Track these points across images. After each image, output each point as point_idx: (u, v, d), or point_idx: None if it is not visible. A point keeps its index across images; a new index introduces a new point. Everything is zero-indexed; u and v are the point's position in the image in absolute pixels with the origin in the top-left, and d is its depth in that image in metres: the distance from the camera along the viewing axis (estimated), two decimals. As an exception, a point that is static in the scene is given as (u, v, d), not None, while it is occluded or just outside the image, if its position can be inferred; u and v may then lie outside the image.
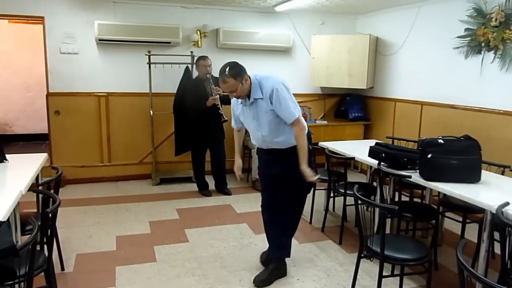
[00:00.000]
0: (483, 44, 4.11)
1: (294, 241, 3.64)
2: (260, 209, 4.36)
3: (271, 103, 2.67)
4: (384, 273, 2.39)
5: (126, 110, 5.35)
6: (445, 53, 4.57)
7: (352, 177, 5.46)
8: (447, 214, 3.54)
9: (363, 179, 4.91)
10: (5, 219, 1.67)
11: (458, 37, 4.38)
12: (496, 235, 2.35)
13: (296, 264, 3.21)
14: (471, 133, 3.01)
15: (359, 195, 2.38)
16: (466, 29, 4.30)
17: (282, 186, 2.88)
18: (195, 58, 4.85)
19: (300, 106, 6.19)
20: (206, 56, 4.67)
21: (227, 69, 2.61)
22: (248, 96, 2.72)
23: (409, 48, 5.21)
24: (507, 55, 3.88)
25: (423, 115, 4.96)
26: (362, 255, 2.50)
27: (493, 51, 4.03)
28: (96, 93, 5.22)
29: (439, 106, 4.69)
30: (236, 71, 2.63)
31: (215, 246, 3.50)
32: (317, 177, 2.77)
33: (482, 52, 4.14)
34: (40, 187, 2.71)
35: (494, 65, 4.02)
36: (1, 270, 1.31)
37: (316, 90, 6.21)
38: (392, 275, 2.81)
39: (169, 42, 5.23)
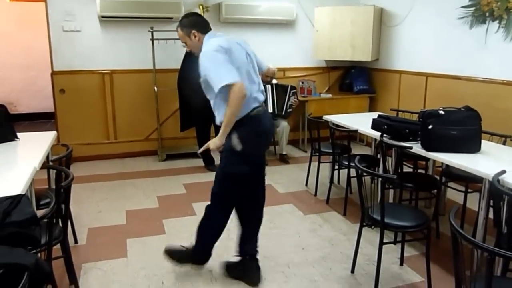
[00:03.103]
0: (487, 13, 4.07)
1: (299, 213, 3.76)
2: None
3: None
4: (386, 241, 2.47)
5: (131, 87, 5.38)
6: (450, 23, 4.53)
7: (358, 150, 5.51)
8: (450, 184, 3.60)
9: (368, 151, 4.96)
10: (24, 193, 1.76)
11: (463, 7, 4.32)
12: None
13: (300, 235, 3.32)
14: (475, 103, 3.03)
15: (359, 165, 2.43)
16: (470, -1, 4.24)
17: None
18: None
19: (304, 79, 6.19)
20: None
21: (180, 17, 2.46)
22: None
23: (414, 19, 5.15)
24: (511, 25, 3.84)
25: (428, 87, 4.95)
26: (364, 223, 2.58)
27: (497, 21, 3.99)
28: (100, 71, 5.25)
29: (444, 77, 4.68)
30: (184, 22, 2.44)
31: (222, 219, 3.59)
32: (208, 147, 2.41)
33: (487, 22, 4.10)
34: (51, 164, 2.80)
35: (499, 34, 3.99)
36: (26, 238, 1.41)
37: (320, 63, 6.19)
38: (394, 241, 2.90)
39: (171, 18, 5.21)
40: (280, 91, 5.22)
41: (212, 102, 2.49)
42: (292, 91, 5.23)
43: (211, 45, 2.35)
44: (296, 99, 5.28)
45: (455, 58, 4.54)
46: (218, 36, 2.47)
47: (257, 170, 2.60)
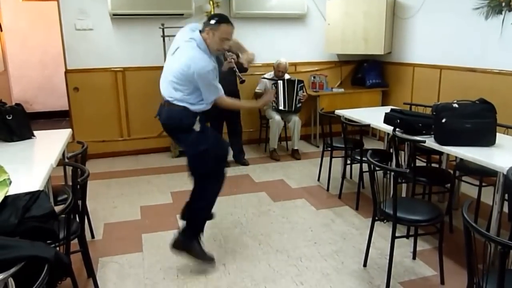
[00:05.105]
0: (503, 4, 3.99)
1: (311, 208, 3.77)
2: (277, 178, 4.47)
3: None
4: (398, 235, 2.47)
5: (143, 84, 5.42)
6: (465, 14, 4.45)
7: (370, 144, 5.48)
8: (464, 178, 3.56)
9: (381, 146, 4.93)
10: (42, 189, 1.81)
11: (477, -3, 4.26)
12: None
13: (313, 229, 3.33)
14: (491, 96, 2.99)
15: (371, 160, 2.43)
16: (485, -11, 4.17)
17: None
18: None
19: (316, 74, 6.18)
20: None
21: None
22: None
23: (428, 10, 5.07)
24: (528, 15, 3.77)
25: (442, 80, 4.89)
26: (376, 218, 2.58)
27: (513, 11, 3.92)
28: (112, 69, 5.31)
29: (459, 70, 4.62)
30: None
31: (234, 214, 3.63)
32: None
33: (503, 12, 4.02)
34: (68, 161, 2.86)
35: (515, 25, 3.92)
36: (45, 232, 1.46)
37: (332, 57, 6.15)
38: (407, 235, 2.90)
39: (182, 14, 5.24)
40: (290, 86, 5.20)
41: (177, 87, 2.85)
42: (299, 85, 5.21)
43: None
44: (304, 93, 5.27)
45: (470, 50, 4.47)
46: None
47: None
